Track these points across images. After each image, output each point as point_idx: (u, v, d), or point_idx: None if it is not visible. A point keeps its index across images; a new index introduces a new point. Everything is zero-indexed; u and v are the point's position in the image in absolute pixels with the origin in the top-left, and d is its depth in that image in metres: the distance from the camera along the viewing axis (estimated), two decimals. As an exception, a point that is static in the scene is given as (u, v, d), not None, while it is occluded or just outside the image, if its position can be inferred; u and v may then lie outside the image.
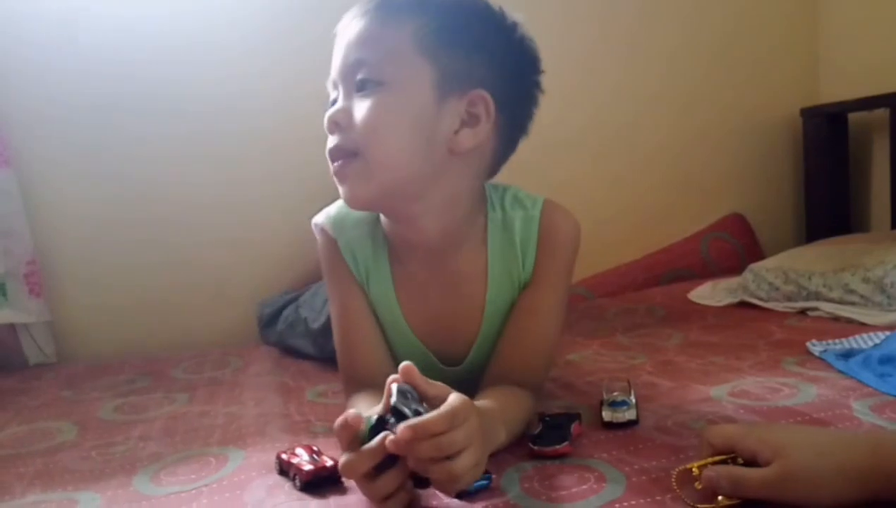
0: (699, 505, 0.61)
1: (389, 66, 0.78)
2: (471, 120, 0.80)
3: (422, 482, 0.64)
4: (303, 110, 1.51)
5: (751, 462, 0.61)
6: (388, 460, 0.61)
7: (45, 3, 1.43)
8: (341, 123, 0.79)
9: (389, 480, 0.62)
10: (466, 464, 0.61)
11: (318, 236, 0.92)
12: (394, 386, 0.63)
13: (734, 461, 0.63)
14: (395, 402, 0.62)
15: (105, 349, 1.49)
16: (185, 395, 1.11)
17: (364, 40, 0.79)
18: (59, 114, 1.46)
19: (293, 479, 0.71)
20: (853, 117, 1.79)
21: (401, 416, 0.61)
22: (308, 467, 0.70)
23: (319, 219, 0.91)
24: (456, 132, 0.80)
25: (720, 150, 1.91)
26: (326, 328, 1.09)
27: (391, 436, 0.60)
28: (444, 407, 0.61)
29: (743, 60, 1.90)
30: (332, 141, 0.80)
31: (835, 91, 1.86)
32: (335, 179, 0.81)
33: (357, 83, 0.79)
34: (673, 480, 0.65)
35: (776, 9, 1.93)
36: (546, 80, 0.86)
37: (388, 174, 0.78)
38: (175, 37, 1.51)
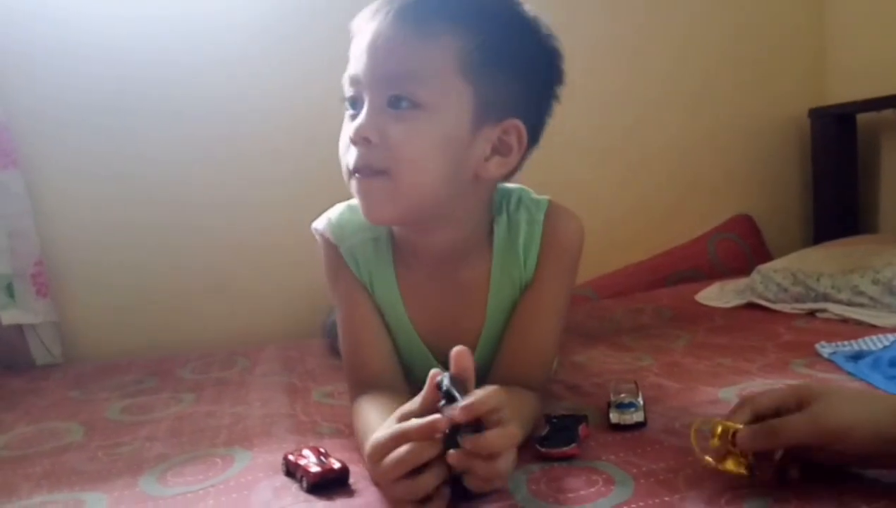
0: (710, 458, 0.63)
1: (430, 88, 0.74)
2: (502, 148, 0.79)
3: (457, 492, 0.62)
4: (309, 112, 1.52)
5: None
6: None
7: (52, 5, 1.43)
8: (372, 140, 0.75)
9: (432, 476, 0.61)
10: (509, 462, 0.62)
11: (319, 240, 0.91)
12: (445, 374, 0.63)
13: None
14: (448, 386, 0.61)
15: (112, 349, 1.49)
16: (192, 395, 1.11)
17: (400, 51, 0.74)
18: (67, 116, 1.46)
19: (300, 481, 0.71)
20: (861, 118, 1.78)
21: (452, 399, 0.61)
22: (315, 469, 0.70)
23: (320, 225, 0.90)
24: (486, 159, 0.79)
25: (727, 151, 1.90)
26: None
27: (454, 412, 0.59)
28: (485, 390, 0.61)
29: (750, 61, 1.89)
30: (356, 154, 0.77)
31: (843, 91, 1.85)
32: (356, 193, 0.79)
33: (390, 98, 0.75)
34: (692, 432, 0.65)
35: (783, 9, 1.92)
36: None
37: (415, 198, 0.77)
38: (181, 38, 1.51)
